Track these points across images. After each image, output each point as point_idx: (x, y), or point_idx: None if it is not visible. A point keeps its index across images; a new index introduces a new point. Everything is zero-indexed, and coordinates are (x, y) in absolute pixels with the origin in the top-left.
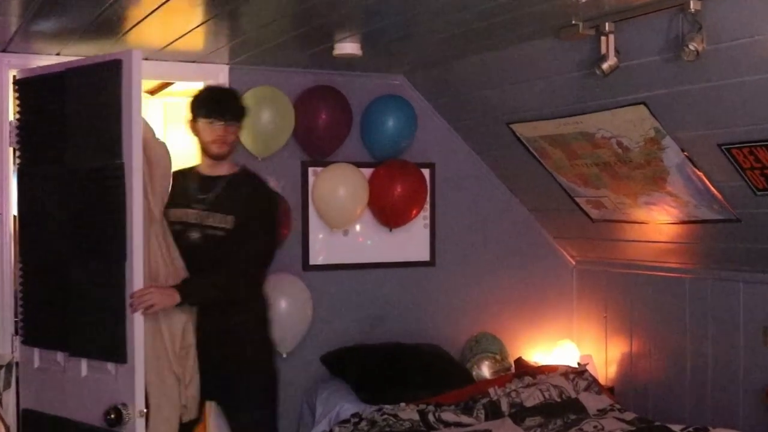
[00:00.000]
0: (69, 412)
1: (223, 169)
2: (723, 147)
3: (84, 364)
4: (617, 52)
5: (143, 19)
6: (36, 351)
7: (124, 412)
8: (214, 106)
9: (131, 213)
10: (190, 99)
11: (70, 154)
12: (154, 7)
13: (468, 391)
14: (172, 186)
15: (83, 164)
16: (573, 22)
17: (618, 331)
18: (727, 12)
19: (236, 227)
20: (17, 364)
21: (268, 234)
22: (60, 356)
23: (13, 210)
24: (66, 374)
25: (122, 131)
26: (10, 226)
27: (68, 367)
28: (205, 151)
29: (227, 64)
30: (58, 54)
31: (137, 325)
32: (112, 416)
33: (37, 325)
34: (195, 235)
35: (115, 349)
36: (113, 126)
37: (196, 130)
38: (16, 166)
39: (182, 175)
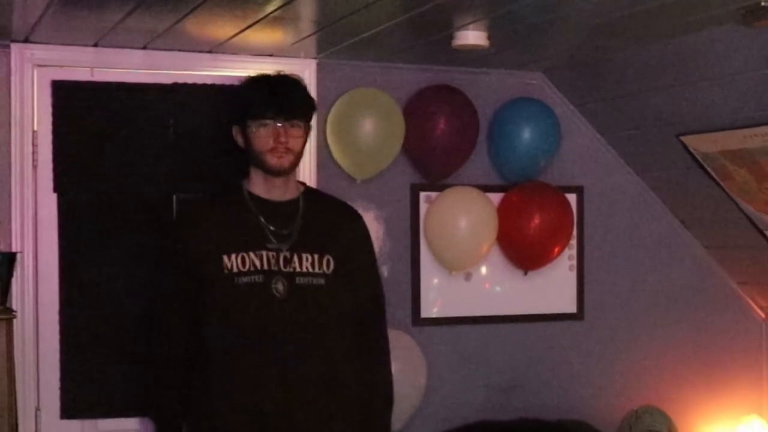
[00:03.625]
0: None
1: (292, 191)
2: None
3: None
4: None
5: (204, 2)
6: (83, 424)
7: None
8: (266, 100)
9: None
10: (230, 97)
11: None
12: None
13: None
14: (211, 219)
15: None
16: (763, 3)
17: None
18: None
19: (337, 271)
20: None
21: (377, 274)
22: (146, 423)
23: (39, 246)
24: None
25: None
26: (32, 268)
27: None
28: (261, 165)
29: (315, 58)
30: (95, 45)
31: None
32: None
33: (103, 390)
34: (279, 287)
35: None
36: None
37: (245, 139)
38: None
39: (220, 200)
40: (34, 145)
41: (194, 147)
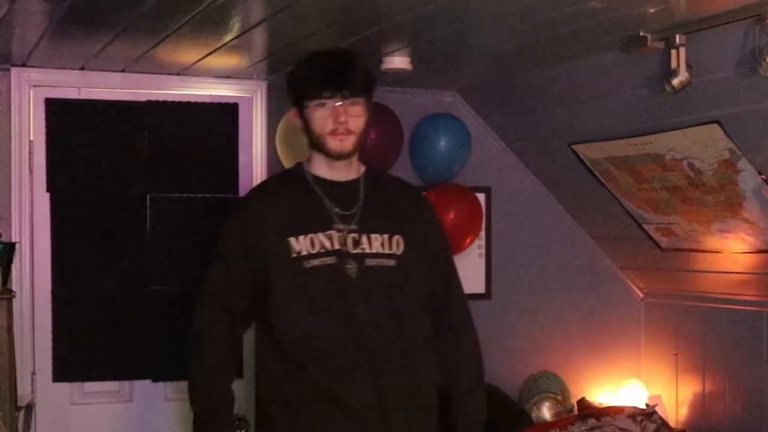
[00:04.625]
0: None
1: (355, 170)
2: None
3: (170, 387)
4: (689, 66)
5: (173, 32)
6: (71, 386)
7: (247, 419)
8: (322, 77)
9: None
10: (288, 77)
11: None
12: (186, 19)
13: None
14: (272, 202)
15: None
16: (641, 34)
17: (690, 370)
18: None
19: (408, 252)
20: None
21: (449, 253)
22: (125, 385)
23: (35, 237)
24: (134, 402)
25: (239, 168)
26: (28, 255)
27: (142, 394)
28: (321, 147)
29: (266, 80)
30: (82, 68)
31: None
32: (242, 428)
33: (89, 357)
34: (351, 268)
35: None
36: (229, 162)
37: (304, 120)
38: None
39: (283, 182)
40: (30, 152)
41: (165, 154)
